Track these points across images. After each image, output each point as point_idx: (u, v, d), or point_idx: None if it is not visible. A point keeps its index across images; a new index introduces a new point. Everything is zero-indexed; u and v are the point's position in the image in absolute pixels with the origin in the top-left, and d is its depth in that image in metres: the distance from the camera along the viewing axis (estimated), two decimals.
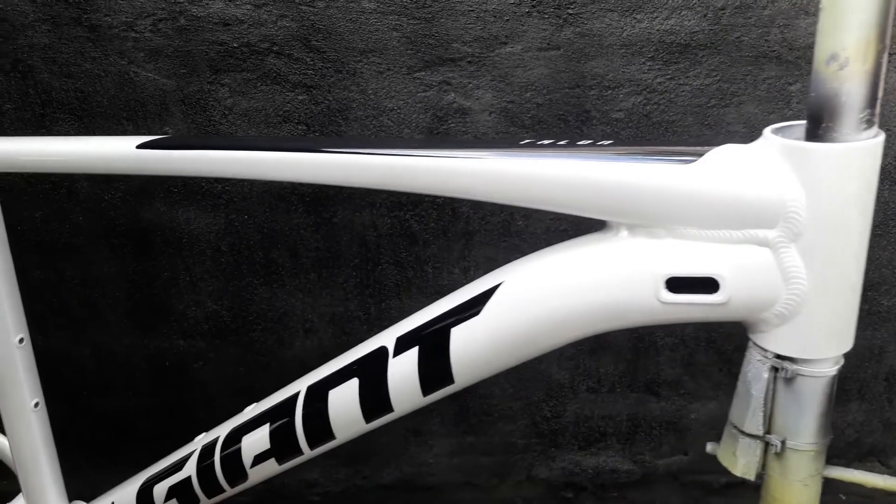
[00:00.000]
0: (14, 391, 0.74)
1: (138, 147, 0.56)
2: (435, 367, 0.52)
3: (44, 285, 1.11)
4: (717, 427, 1.22)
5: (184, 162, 0.55)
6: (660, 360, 1.17)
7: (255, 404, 0.65)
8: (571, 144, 0.47)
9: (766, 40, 0.99)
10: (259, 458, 0.62)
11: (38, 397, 0.76)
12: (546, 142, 0.47)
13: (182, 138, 0.62)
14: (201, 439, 0.67)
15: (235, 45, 0.98)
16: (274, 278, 1.10)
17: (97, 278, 1.10)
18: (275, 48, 0.98)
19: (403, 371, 0.53)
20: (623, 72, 1.00)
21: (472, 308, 0.50)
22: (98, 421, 1.20)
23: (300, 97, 1.00)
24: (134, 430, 1.21)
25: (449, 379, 0.52)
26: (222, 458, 0.64)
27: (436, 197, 1.05)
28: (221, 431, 0.65)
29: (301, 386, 0.60)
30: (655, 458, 1.24)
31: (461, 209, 1.06)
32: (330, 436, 0.58)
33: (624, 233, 0.45)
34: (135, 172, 0.58)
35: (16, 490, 1.26)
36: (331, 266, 1.10)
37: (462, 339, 0.50)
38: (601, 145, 0.46)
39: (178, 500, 0.68)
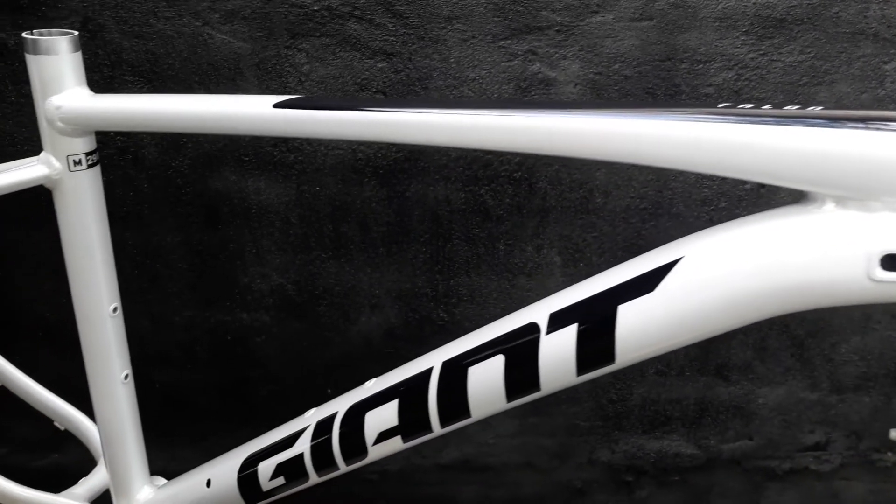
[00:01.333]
0: (104, 362, 0.71)
1: (275, 106, 0.53)
2: (596, 346, 0.49)
3: None
4: (784, 412, 1.20)
5: (325, 124, 0.52)
6: (731, 343, 1.14)
7: (375, 379, 0.63)
8: (760, 108, 0.43)
9: (864, 16, 0.96)
10: (384, 436, 0.59)
11: (127, 369, 0.73)
12: (747, 106, 0.44)
13: (321, 98, 0.58)
14: (313, 415, 0.65)
15: (316, 7, 0.94)
16: (342, 252, 1.07)
17: (160, 248, 1.07)
18: (356, 12, 0.94)
19: (558, 349, 0.50)
20: (716, 45, 0.96)
21: (644, 284, 0.47)
22: (153, 395, 1.18)
23: (380, 64, 0.97)
24: (190, 406, 1.19)
25: (609, 359, 0.49)
26: (341, 435, 0.61)
27: (517, 171, 1.02)
28: (339, 407, 0.62)
29: (434, 361, 0.57)
30: (720, 442, 1.22)
31: (539, 184, 1.03)
32: (465, 414, 0.56)
33: (830, 205, 0.42)
34: (271, 134, 0.55)
35: (81, 464, 1.24)
36: (400, 241, 1.07)
37: (631, 316, 0.47)
38: (797, 110, 0.43)
39: (285, 478, 0.66)
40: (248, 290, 1.10)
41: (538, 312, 0.52)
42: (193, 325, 1.12)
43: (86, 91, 0.62)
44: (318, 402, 1.19)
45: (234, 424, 1.21)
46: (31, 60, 0.59)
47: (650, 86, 0.98)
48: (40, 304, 1.11)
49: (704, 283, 0.45)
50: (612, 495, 1.27)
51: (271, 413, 1.19)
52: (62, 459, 1.24)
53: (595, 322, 0.49)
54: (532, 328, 0.52)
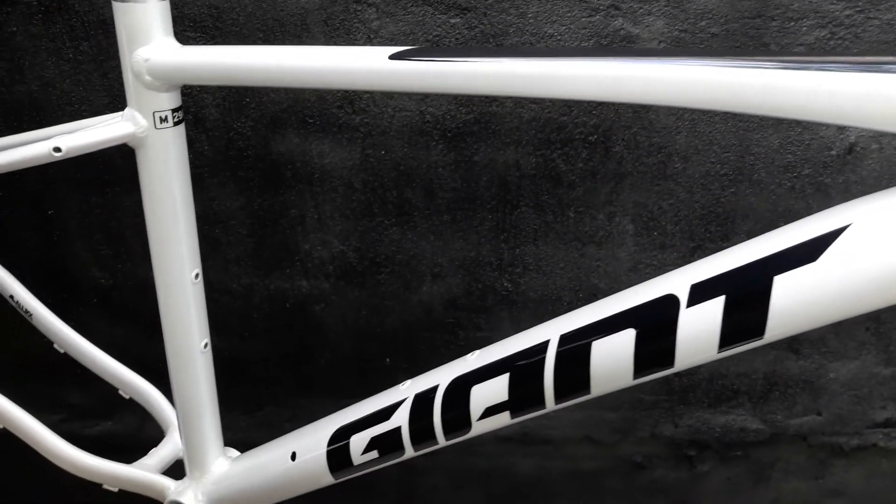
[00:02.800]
0: (184, 330, 0.69)
1: (392, 58, 0.49)
2: (746, 320, 0.45)
3: None
4: (855, 387, 1.16)
5: (452, 77, 0.47)
6: None
7: (478, 352, 0.59)
8: None
9: None
10: (491, 410, 0.56)
11: (206, 338, 0.71)
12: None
13: (442, 49, 0.54)
14: (410, 388, 0.62)
15: None
16: (405, 219, 1.04)
17: (219, 213, 1.04)
18: None
19: (700, 323, 0.46)
20: (809, 2, 0.91)
21: (805, 253, 0.43)
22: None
23: (453, 20, 0.92)
24: (247, 374, 1.16)
25: (758, 334, 0.45)
26: (444, 409, 0.58)
27: (592, 134, 0.97)
28: (440, 379, 0.59)
29: (550, 334, 0.53)
30: (787, 417, 1.19)
31: (615, 148, 0.98)
32: (584, 389, 0.52)
33: None
34: (385, 89, 0.51)
35: (133, 433, 1.22)
36: (466, 208, 1.03)
37: (788, 288, 0.43)
38: None
39: (379, 452, 0.63)
40: (309, 257, 1.07)
41: (676, 284, 0.48)
42: (252, 292, 1.09)
43: (174, 42, 0.58)
44: (375, 372, 1.17)
45: (291, 394, 1.19)
46: (118, 9, 0.56)
47: (737, 44, 0.92)
48: (95, 270, 1.08)
49: (876, 253, 0.41)
50: (672, 470, 1.24)
51: (328, 382, 1.17)
52: (114, 428, 1.23)
53: (746, 294, 0.45)
54: (670, 300, 0.48)
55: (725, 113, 0.94)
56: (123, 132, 0.59)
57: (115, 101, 0.96)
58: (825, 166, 1.00)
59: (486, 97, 0.94)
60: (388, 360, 1.14)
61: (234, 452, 0.80)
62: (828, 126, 0.98)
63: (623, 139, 0.98)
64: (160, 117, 0.59)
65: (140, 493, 0.79)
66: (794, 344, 1.12)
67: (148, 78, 0.57)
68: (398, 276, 1.08)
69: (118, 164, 1.00)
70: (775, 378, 1.16)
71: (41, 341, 1.14)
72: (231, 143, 0.99)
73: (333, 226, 1.04)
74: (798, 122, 0.98)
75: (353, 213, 1.04)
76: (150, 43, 0.57)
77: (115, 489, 0.80)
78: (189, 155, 1.00)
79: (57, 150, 0.58)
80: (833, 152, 0.99)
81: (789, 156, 0.99)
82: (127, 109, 0.60)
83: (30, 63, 0.94)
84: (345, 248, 1.06)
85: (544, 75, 0.46)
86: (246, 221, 1.04)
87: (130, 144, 0.61)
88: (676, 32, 0.92)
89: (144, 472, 0.78)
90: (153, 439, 1.23)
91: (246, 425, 1.20)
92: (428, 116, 0.97)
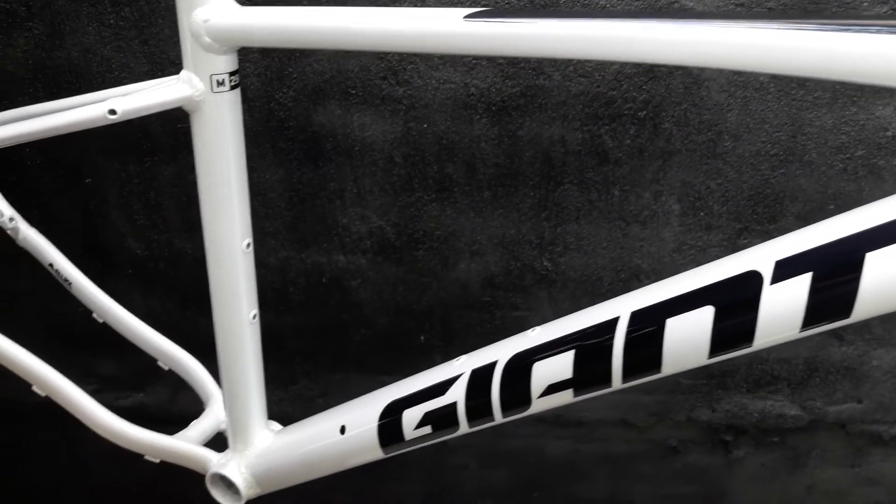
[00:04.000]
0: (234, 300, 0.67)
1: (467, 18, 0.47)
2: (834, 298, 0.43)
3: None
4: None
5: (535, 40, 0.45)
6: None
7: (539, 328, 0.57)
8: None
9: None
10: (553, 388, 0.55)
11: (255, 308, 0.69)
12: None
13: (519, 10, 0.52)
14: (466, 363, 0.60)
15: None
16: (445, 195, 1.02)
17: (257, 185, 1.03)
18: None
19: (784, 300, 0.44)
20: None
21: None
22: None
23: None
24: (281, 348, 1.16)
25: (845, 312, 0.43)
26: (503, 385, 0.57)
27: (642, 110, 0.95)
28: (499, 355, 0.58)
29: (620, 310, 0.52)
30: (826, 404, 1.17)
31: (664, 125, 0.96)
32: (654, 368, 0.51)
33: None
34: (460, 52, 0.49)
35: (164, 405, 1.22)
36: (507, 184, 1.01)
37: (882, 266, 0.41)
38: None
39: (432, 427, 0.62)
40: (347, 232, 1.05)
41: (760, 260, 0.46)
42: (289, 266, 1.08)
43: (233, 3, 0.56)
44: (409, 350, 1.16)
45: (325, 369, 1.18)
46: None
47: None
48: (131, 240, 1.07)
49: None
50: (706, 455, 1.23)
51: (362, 358, 1.16)
52: (146, 399, 1.23)
53: (836, 271, 0.43)
54: (752, 277, 0.46)
55: (775, 77, 0.92)
56: (179, 95, 0.57)
57: (154, 68, 0.95)
58: (879, 148, 0.97)
59: (552, 61, 0.92)
60: (422, 337, 1.13)
61: (276, 426, 0.79)
62: (884, 105, 0.95)
63: (673, 116, 0.95)
64: (217, 80, 0.57)
65: (181, 464, 0.78)
66: (838, 330, 1.10)
67: (207, 39, 0.55)
68: (436, 252, 1.06)
69: (157, 132, 0.99)
70: (816, 364, 1.14)
71: (75, 310, 1.14)
72: (272, 113, 0.98)
73: (372, 200, 1.03)
74: (853, 102, 0.95)
75: (392, 187, 1.02)
76: (210, 3, 0.55)
77: (157, 460, 0.79)
78: None
79: (112, 112, 0.57)
80: (889, 133, 0.96)
81: (843, 136, 0.97)
82: (183, 72, 0.58)
83: (70, 28, 0.93)
84: (383, 223, 1.05)
85: (626, 38, 0.44)
86: (284, 194, 1.03)
87: (186, 108, 0.59)
88: (732, 6, 0.89)
89: (187, 443, 0.77)
90: (185, 412, 1.22)
91: (279, 399, 1.19)
92: (472, 89, 0.95)
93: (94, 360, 1.18)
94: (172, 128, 0.98)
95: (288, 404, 1.19)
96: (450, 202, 1.02)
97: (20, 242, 0.91)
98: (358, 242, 1.06)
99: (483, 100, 0.95)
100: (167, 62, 0.94)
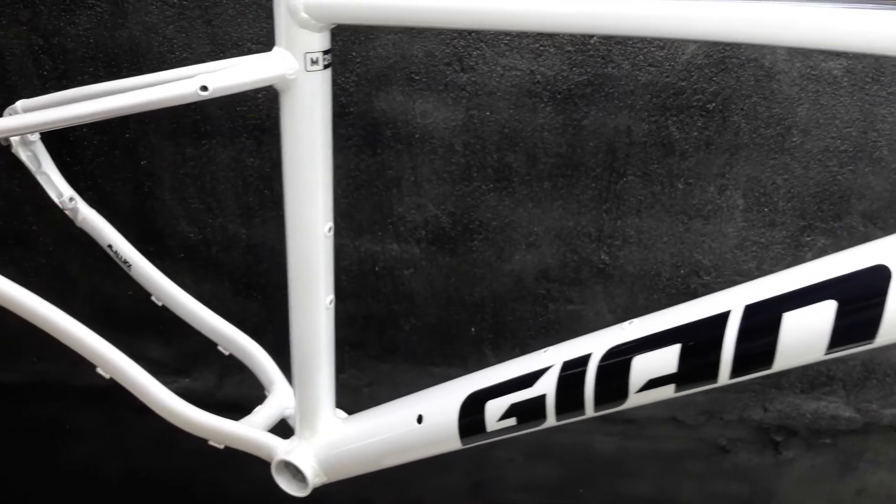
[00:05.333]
0: (312, 284, 0.66)
1: None
2: None
3: (256, 175, 1.02)
4: None
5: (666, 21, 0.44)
6: None
7: (636, 321, 0.56)
8: None
9: None
10: (654, 383, 0.53)
11: (332, 294, 0.68)
12: None
13: None
14: (555, 355, 0.59)
15: None
16: (504, 185, 1.00)
17: None
18: None
19: None
20: None
21: None
22: None
23: None
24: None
25: None
26: (598, 379, 0.55)
27: (711, 101, 0.93)
28: (592, 348, 0.56)
29: (731, 304, 0.50)
30: (882, 407, 1.15)
31: (733, 118, 0.94)
32: (766, 364, 0.49)
33: None
34: (568, 31, 0.47)
35: (210, 390, 1.21)
36: (568, 175, 0.99)
37: None
38: None
39: (518, 419, 0.61)
40: (402, 221, 1.04)
41: (886, 253, 0.44)
42: (342, 254, 1.07)
43: None
44: (459, 341, 1.14)
45: (373, 358, 1.17)
46: None
47: None
48: (185, 224, 1.06)
49: None
50: (755, 455, 1.21)
51: (411, 349, 1.15)
52: (192, 384, 1.22)
53: None
54: (879, 272, 0.44)
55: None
56: (273, 73, 0.56)
57: (217, 49, 0.93)
58: None
59: (622, 50, 0.90)
60: (473, 329, 1.12)
61: (341, 413, 0.78)
62: None
63: (742, 108, 0.93)
64: (311, 59, 0.56)
65: (246, 450, 0.77)
66: None
67: (304, 15, 0.54)
68: (491, 243, 1.05)
69: (216, 115, 0.98)
70: (874, 365, 1.11)
71: (125, 293, 1.14)
72: (333, 98, 0.95)
73: (430, 189, 1.01)
74: None
75: (450, 176, 1.00)
76: None
77: (221, 446, 0.78)
78: None
79: (203, 88, 0.55)
80: None
81: None
82: (275, 49, 0.57)
83: (133, 7, 0.92)
84: (439, 212, 1.03)
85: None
86: (341, 181, 1.02)
87: (276, 87, 0.58)
88: None
89: (253, 429, 0.76)
90: (230, 397, 1.22)
91: None
92: (538, 77, 0.93)
93: (142, 344, 1.17)
94: (231, 110, 0.97)
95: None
96: (508, 192, 1.01)
97: (79, 223, 0.90)
98: (412, 231, 1.05)
99: (548, 88, 0.93)
100: (229, 43, 0.93)
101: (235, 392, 1.20)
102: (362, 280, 1.09)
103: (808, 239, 1.01)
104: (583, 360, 0.57)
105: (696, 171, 0.97)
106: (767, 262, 1.03)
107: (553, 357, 0.59)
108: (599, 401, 0.56)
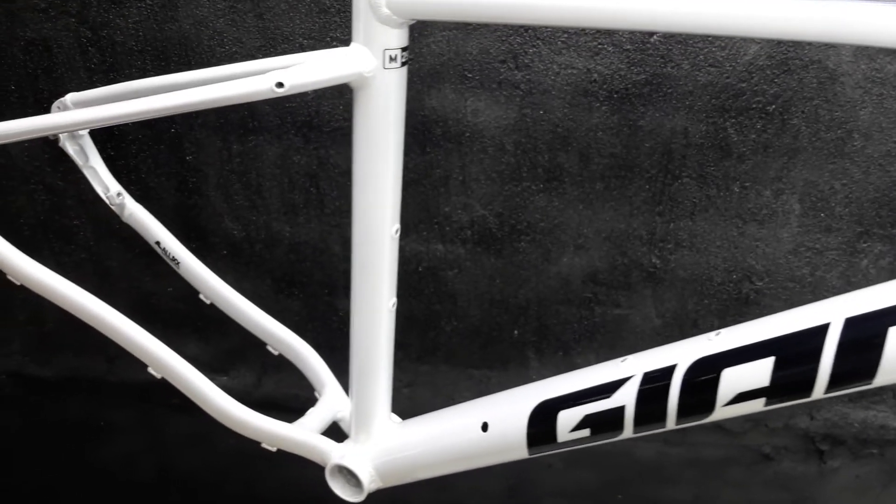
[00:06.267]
0: (376, 286, 0.64)
1: None
2: None
3: (302, 172, 1.00)
4: None
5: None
6: None
7: (724, 331, 0.54)
8: None
9: None
10: (744, 396, 0.51)
11: (395, 297, 0.66)
12: None
13: None
14: (635, 365, 0.57)
15: None
16: (554, 185, 0.98)
17: None
18: None
19: None
20: None
21: None
22: (333, 323, 1.12)
23: None
24: None
25: None
26: (683, 391, 0.53)
27: (771, 104, 0.90)
28: (678, 359, 0.54)
29: (830, 316, 0.48)
30: None
31: (792, 121, 0.92)
32: (866, 378, 0.47)
33: None
34: (681, 30, 0.45)
35: (247, 388, 1.20)
36: (622, 176, 0.97)
37: None
38: None
39: (592, 430, 0.59)
40: (448, 221, 1.02)
41: None
42: None
43: None
44: (501, 344, 1.12)
45: (413, 359, 1.15)
46: None
47: None
48: (229, 221, 1.05)
49: None
50: (800, 463, 1.19)
51: (452, 350, 1.13)
52: (230, 383, 1.21)
53: None
54: None
55: None
56: (350, 71, 0.54)
57: (268, 44, 0.92)
58: None
59: (682, 50, 0.88)
60: (516, 332, 1.10)
61: (395, 417, 0.77)
62: None
63: (803, 111, 0.91)
64: (390, 56, 0.54)
65: (299, 454, 0.76)
66: None
67: (385, 11, 0.52)
68: (538, 245, 1.03)
69: (264, 110, 0.96)
70: None
71: (164, 291, 1.13)
72: None
73: (477, 189, 1.00)
74: None
75: (499, 176, 0.99)
76: None
77: (274, 448, 0.77)
78: (339, 106, 0.96)
79: (279, 85, 0.54)
80: None
81: None
82: (353, 45, 0.55)
83: (184, 0, 0.90)
84: (486, 212, 1.01)
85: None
86: None
87: (352, 85, 0.56)
88: None
89: (308, 432, 0.74)
90: (269, 396, 1.21)
91: None
92: (595, 75, 0.91)
93: (180, 341, 1.16)
94: (280, 106, 0.96)
95: None
96: (558, 193, 0.99)
97: (125, 219, 0.89)
98: (458, 232, 1.03)
99: (605, 87, 0.91)
100: (280, 37, 0.91)
101: (274, 391, 1.18)
102: (405, 280, 1.07)
103: (865, 245, 0.99)
104: (667, 372, 0.55)
105: (752, 174, 0.95)
106: (821, 268, 1.01)
107: (633, 367, 0.57)
108: (683, 413, 0.54)
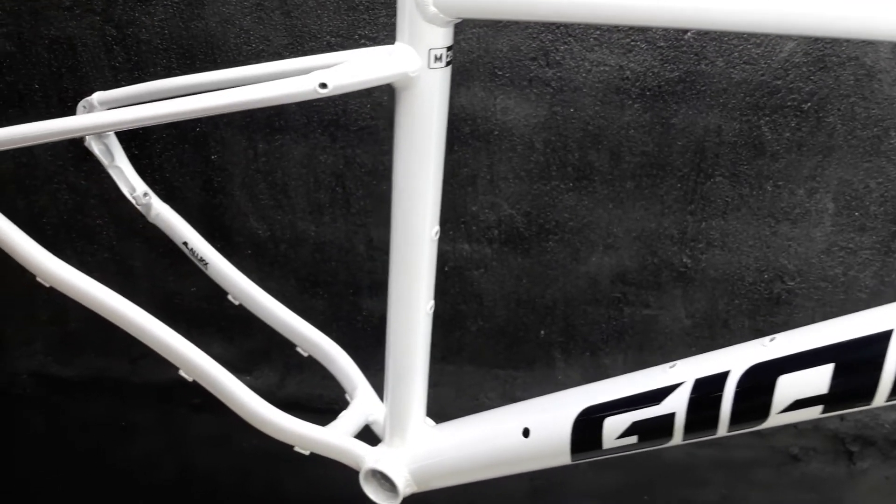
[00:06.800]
0: (414, 290, 0.64)
1: None
2: None
3: (328, 172, 0.99)
4: None
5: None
6: None
7: (778, 336, 0.52)
8: None
9: None
10: (801, 403, 0.50)
11: (432, 299, 0.65)
12: None
13: None
14: (684, 371, 0.55)
15: None
16: (584, 184, 0.97)
17: (388, 169, 0.98)
18: None
19: None
20: None
21: None
22: (357, 323, 1.11)
23: None
24: None
25: None
26: (737, 398, 0.52)
27: (807, 101, 0.89)
28: (731, 365, 0.53)
29: (892, 322, 0.47)
30: None
31: (828, 118, 0.90)
32: None
33: None
34: (748, 30, 0.43)
35: (271, 388, 1.19)
36: (653, 175, 0.96)
37: None
38: None
39: (639, 437, 0.58)
40: (475, 220, 1.01)
41: None
42: None
43: None
44: (527, 344, 1.11)
45: (437, 359, 1.14)
46: None
47: None
48: (253, 220, 1.04)
49: None
50: (828, 465, 1.17)
51: (477, 351, 1.12)
52: (254, 383, 1.20)
53: None
54: None
55: None
56: (395, 71, 0.53)
57: (295, 42, 0.91)
58: None
59: (717, 47, 0.86)
60: (542, 332, 1.09)
61: (430, 421, 0.76)
62: None
63: (839, 109, 0.89)
64: (435, 55, 0.53)
65: (333, 457, 0.75)
66: None
67: (432, 9, 0.51)
68: (567, 244, 1.02)
69: (290, 109, 0.95)
70: None
71: (188, 289, 1.12)
72: None
73: (506, 188, 0.98)
74: None
75: (528, 174, 0.97)
76: None
77: (307, 452, 0.76)
78: (367, 105, 0.95)
79: (323, 86, 0.52)
80: None
81: None
82: (397, 44, 0.54)
83: None
84: (514, 211, 1.00)
85: None
86: None
87: (395, 85, 0.55)
88: None
89: (342, 436, 0.73)
90: (292, 396, 1.20)
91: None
92: (628, 73, 0.89)
93: (203, 341, 1.14)
94: (307, 105, 0.94)
95: None
96: (588, 192, 0.98)
97: (152, 219, 0.88)
98: (485, 231, 1.02)
99: (638, 84, 0.90)
100: (307, 35, 0.90)
101: (297, 391, 1.18)
102: None
103: None
104: (719, 378, 0.53)
105: (786, 172, 0.93)
106: (855, 268, 0.99)
107: (683, 373, 0.56)
108: (736, 421, 0.53)
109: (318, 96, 0.53)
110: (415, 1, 0.51)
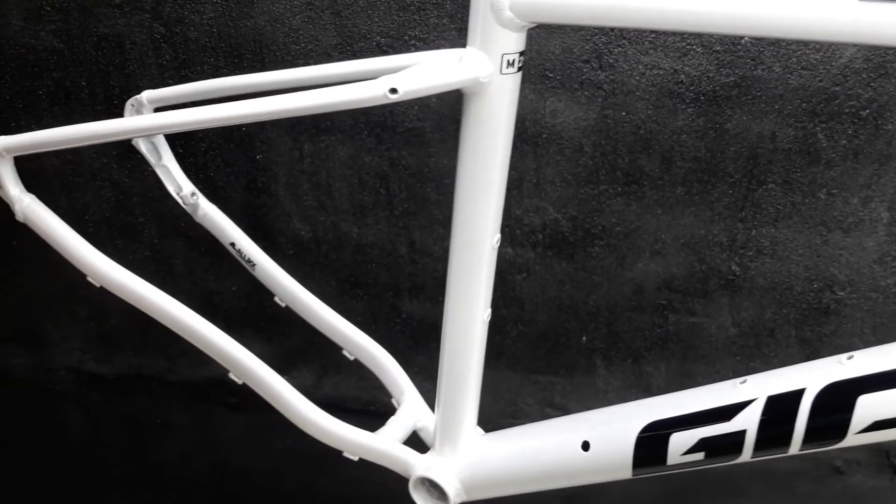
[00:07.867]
0: (473, 297, 0.63)
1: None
2: None
3: (373, 173, 0.98)
4: None
5: None
6: None
7: (857, 354, 0.51)
8: None
9: None
10: (882, 424, 0.49)
11: (489, 308, 0.64)
12: None
13: None
14: (755, 388, 0.54)
15: None
16: (633, 188, 0.95)
17: (433, 171, 0.98)
18: None
19: None
20: None
21: None
22: (396, 325, 1.11)
23: None
24: (433, 339, 1.11)
25: None
26: (812, 416, 0.51)
27: (865, 108, 0.87)
28: (806, 383, 0.51)
29: None
30: None
31: (886, 126, 0.88)
32: None
33: None
34: (851, 40, 0.42)
35: (306, 390, 1.19)
36: (705, 181, 0.94)
37: None
38: None
39: (707, 454, 0.56)
40: (519, 223, 1.00)
41: None
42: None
43: None
44: (568, 351, 1.10)
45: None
46: None
47: None
48: (297, 221, 1.04)
49: None
50: (871, 477, 1.15)
51: (516, 356, 1.11)
52: (291, 382, 1.19)
53: None
54: None
55: None
56: (468, 76, 0.52)
57: (345, 42, 0.90)
58: None
59: (774, 53, 0.84)
60: (584, 338, 1.08)
61: (480, 430, 0.75)
62: None
63: None
64: (508, 61, 0.52)
65: (382, 464, 0.74)
66: None
67: (508, 14, 0.50)
68: (613, 250, 1.00)
69: (338, 110, 0.94)
70: None
71: (229, 288, 1.12)
72: (459, 95, 0.92)
73: (552, 191, 0.97)
74: None
75: (575, 178, 0.96)
76: None
77: (356, 458, 0.75)
78: (413, 107, 0.94)
79: (393, 91, 0.51)
80: None
81: None
82: (468, 49, 0.52)
83: None
84: (559, 216, 0.99)
85: None
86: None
87: (465, 90, 0.54)
88: None
89: (392, 443, 0.73)
90: (329, 396, 1.19)
91: (424, 391, 1.15)
92: (682, 76, 0.88)
93: (241, 341, 1.14)
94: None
95: (431, 397, 1.14)
96: (637, 197, 0.96)
97: (198, 219, 0.87)
98: (529, 235, 1.01)
99: (692, 88, 0.88)
100: (357, 35, 0.89)
101: (333, 391, 1.17)
102: None
103: None
104: (794, 396, 0.52)
105: (840, 181, 0.91)
106: None
107: (755, 390, 0.54)
108: (809, 440, 0.52)
109: (387, 101, 0.52)
110: (490, 5, 0.50)
